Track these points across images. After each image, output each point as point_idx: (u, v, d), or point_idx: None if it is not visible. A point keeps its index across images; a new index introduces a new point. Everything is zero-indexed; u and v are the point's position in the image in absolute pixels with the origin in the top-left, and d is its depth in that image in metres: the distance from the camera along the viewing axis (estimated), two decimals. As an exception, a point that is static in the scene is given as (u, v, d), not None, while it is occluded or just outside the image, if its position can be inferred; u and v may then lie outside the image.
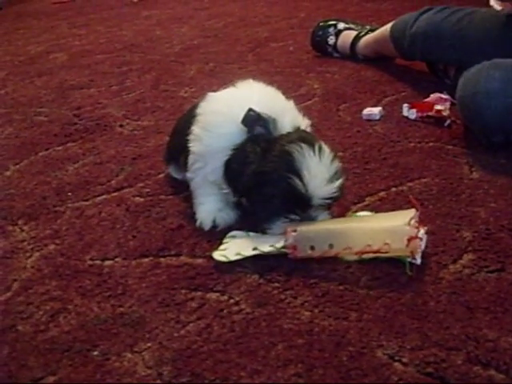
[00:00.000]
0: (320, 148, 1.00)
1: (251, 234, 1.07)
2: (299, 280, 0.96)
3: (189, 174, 1.17)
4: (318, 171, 0.98)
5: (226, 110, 1.10)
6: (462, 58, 1.57)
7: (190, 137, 1.13)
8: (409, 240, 0.93)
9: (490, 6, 1.75)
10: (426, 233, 1.00)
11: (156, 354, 0.84)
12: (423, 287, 0.91)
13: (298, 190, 0.98)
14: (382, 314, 0.87)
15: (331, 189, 1.00)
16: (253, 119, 1.04)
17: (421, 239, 0.96)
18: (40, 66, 2.42)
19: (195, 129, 1.13)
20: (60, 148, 1.57)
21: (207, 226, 1.12)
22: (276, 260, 1.00)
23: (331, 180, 0.99)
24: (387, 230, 0.96)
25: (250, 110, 1.04)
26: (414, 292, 0.90)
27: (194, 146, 1.12)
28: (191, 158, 1.14)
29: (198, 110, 1.15)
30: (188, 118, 1.18)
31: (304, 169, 0.97)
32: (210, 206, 1.14)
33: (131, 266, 1.04)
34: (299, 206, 1.01)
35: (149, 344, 0.86)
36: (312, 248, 0.99)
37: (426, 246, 0.99)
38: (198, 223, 1.13)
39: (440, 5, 1.72)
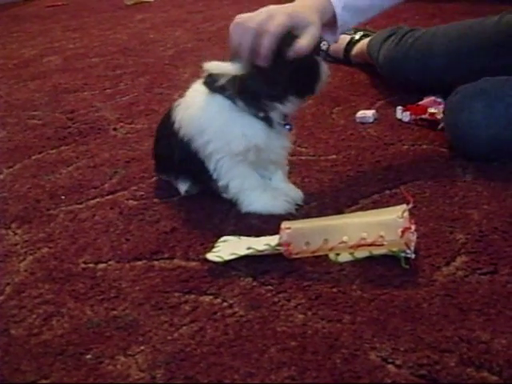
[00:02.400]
0: None
1: (243, 237, 1.07)
2: (293, 283, 0.96)
3: (222, 182, 1.16)
4: None
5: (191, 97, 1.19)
6: (434, 82, 1.59)
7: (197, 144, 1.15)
8: (403, 231, 0.95)
9: None
10: (416, 230, 1.01)
11: (149, 358, 0.84)
12: (416, 289, 0.91)
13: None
14: (375, 316, 0.87)
15: None
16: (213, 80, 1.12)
17: (413, 232, 0.99)
18: (34, 69, 2.42)
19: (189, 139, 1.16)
20: (53, 151, 1.57)
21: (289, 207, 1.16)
22: (269, 263, 1.01)
23: None
24: (381, 222, 0.98)
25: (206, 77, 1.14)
26: (407, 294, 0.90)
27: (206, 147, 1.14)
28: (215, 163, 1.14)
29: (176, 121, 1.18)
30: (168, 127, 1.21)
31: None
32: (266, 196, 1.17)
33: (124, 270, 1.04)
34: None
35: (142, 347, 0.86)
36: (307, 244, 0.99)
37: (419, 248, 1.00)
38: (281, 212, 1.15)
39: (434, 10, 1.74)
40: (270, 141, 1.13)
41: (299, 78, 1.09)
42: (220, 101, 1.12)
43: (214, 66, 1.12)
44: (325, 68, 1.13)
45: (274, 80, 1.07)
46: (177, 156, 1.19)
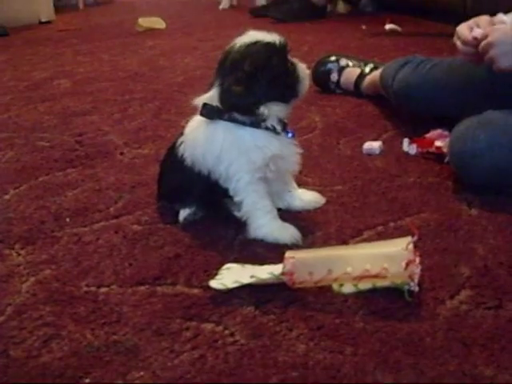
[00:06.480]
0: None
1: (247, 265, 1.07)
2: (295, 312, 0.95)
3: (238, 198, 1.18)
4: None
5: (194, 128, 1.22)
6: (448, 111, 1.59)
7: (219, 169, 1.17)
8: (407, 264, 0.94)
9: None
10: (421, 263, 1.00)
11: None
12: (420, 323, 0.91)
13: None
14: (377, 348, 0.86)
15: None
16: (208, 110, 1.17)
17: (417, 265, 0.98)
18: (44, 91, 2.44)
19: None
20: (60, 173, 1.58)
21: (298, 237, 1.16)
22: (272, 292, 1.00)
23: None
24: (385, 254, 0.97)
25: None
26: (410, 327, 0.90)
27: (221, 165, 1.17)
28: (235, 182, 1.17)
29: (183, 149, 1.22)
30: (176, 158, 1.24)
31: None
32: (276, 223, 1.19)
33: (127, 294, 1.04)
34: None
35: (142, 373, 0.85)
36: (310, 274, 0.98)
37: (423, 281, 0.99)
38: (287, 242, 1.15)
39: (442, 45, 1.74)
40: (283, 147, 1.18)
41: (277, 83, 1.14)
42: (223, 125, 1.16)
43: (201, 99, 1.17)
44: (303, 68, 1.19)
45: (249, 87, 1.12)
46: (197, 189, 1.22)
